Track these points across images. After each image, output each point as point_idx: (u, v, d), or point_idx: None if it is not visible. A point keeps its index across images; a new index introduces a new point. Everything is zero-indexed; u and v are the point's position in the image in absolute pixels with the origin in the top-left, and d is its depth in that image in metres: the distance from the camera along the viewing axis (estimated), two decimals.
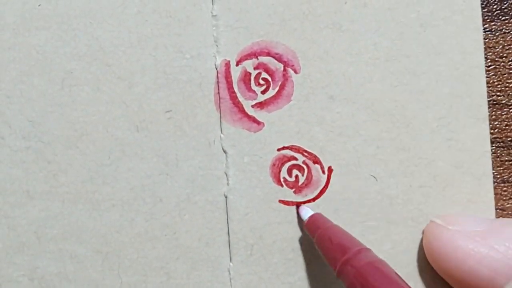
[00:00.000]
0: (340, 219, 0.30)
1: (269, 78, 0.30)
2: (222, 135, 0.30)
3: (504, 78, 0.31)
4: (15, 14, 0.30)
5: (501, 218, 0.30)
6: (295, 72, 0.30)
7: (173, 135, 0.30)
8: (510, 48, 0.31)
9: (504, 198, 0.31)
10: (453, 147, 0.30)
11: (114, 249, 0.30)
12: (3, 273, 0.29)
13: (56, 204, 0.29)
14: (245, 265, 0.30)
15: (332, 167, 0.30)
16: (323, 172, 0.30)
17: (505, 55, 0.31)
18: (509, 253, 0.27)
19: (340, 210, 0.30)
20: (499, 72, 0.31)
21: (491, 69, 0.31)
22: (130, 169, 0.30)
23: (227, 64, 0.30)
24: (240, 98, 0.30)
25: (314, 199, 0.30)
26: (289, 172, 0.30)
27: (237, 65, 0.30)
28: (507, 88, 0.31)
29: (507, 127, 0.31)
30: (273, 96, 0.30)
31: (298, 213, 0.30)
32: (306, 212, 0.29)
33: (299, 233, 0.30)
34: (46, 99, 0.30)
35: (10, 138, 0.29)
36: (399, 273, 0.30)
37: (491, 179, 0.30)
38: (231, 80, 0.30)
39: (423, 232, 0.30)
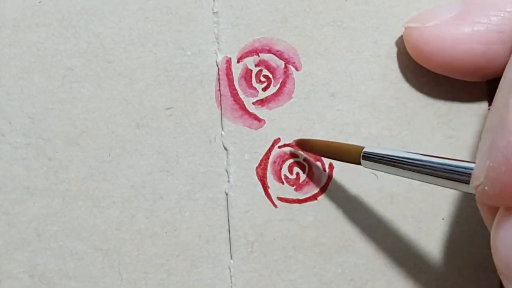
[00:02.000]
0: (340, 216, 0.30)
1: (270, 75, 0.30)
2: (223, 132, 0.30)
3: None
4: (16, 10, 0.29)
5: None
6: (296, 69, 0.30)
7: (174, 132, 0.30)
8: None
9: None
10: (454, 144, 0.30)
11: (114, 246, 0.30)
12: (3, 270, 0.29)
13: (57, 201, 0.29)
14: (245, 262, 0.30)
15: (333, 164, 0.30)
16: (324, 169, 0.30)
17: None
18: (492, 20, 0.27)
19: (341, 208, 0.30)
20: None
21: None
22: (130, 166, 0.30)
23: (228, 61, 0.30)
24: (241, 95, 0.30)
25: (315, 197, 0.30)
26: (290, 169, 0.30)
27: (238, 62, 0.30)
28: None
29: None
30: (274, 93, 0.30)
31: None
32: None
33: (300, 231, 0.30)
34: (46, 96, 0.29)
35: (10, 135, 0.29)
36: (398, 272, 0.30)
37: None
38: (232, 77, 0.30)
39: (404, 41, 0.29)
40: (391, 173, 0.25)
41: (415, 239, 0.30)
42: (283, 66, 0.30)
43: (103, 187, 0.30)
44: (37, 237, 0.29)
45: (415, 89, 0.30)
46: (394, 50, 0.30)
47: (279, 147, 0.30)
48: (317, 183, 0.30)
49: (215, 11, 0.30)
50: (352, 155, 0.27)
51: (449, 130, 0.30)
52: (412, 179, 0.25)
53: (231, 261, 0.30)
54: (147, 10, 0.30)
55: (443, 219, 0.30)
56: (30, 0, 0.29)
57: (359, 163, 0.26)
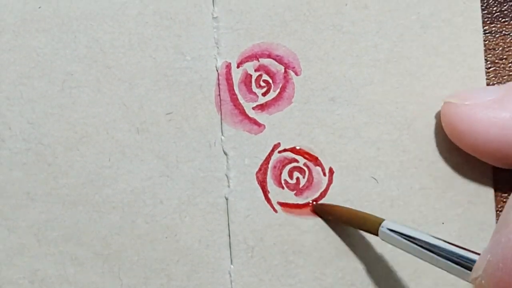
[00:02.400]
0: None
1: (270, 80, 0.30)
2: (222, 137, 0.30)
3: (504, 80, 0.31)
4: (15, 16, 0.29)
5: (507, 83, 0.30)
6: (296, 74, 0.30)
7: (174, 137, 0.30)
8: (510, 50, 0.31)
9: (505, 200, 0.31)
10: (454, 149, 0.30)
11: (114, 251, 0.30)
12: (3, 276, 0.29)
13: (57, 206, 0.29)
14: (245, 267, 0.30)
15: (333, 169, 0.30)
16: (324, 174, 0.30)
17: (505, 57, 0.31)
18: None
19: None
20: (499, 74, 0.31)
21: (491, 71, 0.31)
22: (130, 171, 0.30)
23: (228, 66, 0.30)
24: (241, 100, 0.30)
25: (315, 201, 0.30)
26: (290, 174, 0.30)
27: (238, 67, 0.30)
28: None
29: None
30: (274, 98, 0.30)
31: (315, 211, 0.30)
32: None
33: (300, 235, 0.30)
34: (46, 101, 0.29)
35: (10, 140, 0.29)
36: (400, 275, 0.30)
37: (491, 181, 0.30)
38: (232, 82, 0.30)
39: (441, 115, 0.30)
40: (403, 249, 0.26)
41: None
42: (283, 70, 0.30)
43: (103, 192, 0.30)
44: (37, 242, 0.29)
45: (415, 93, 0.30)
46: (394, 54, 0.30)
47: (279, 152, 0.30)
48: (317, 188, 0.30)
49: (214, 16, 0.30)
50: (370, 226, 0.27)
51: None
52: (421, 258, 0.25)
53: (231, 266, 0.30)
54: (147, 15, 0.30)
55: (443, 223, 0.30)
56: (30, 6, 0.29)
57: (377, 234, 0.27)
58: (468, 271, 0.23)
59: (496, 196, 0.31)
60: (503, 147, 0.28)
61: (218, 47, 0.30)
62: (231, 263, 0.30)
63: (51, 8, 0.30)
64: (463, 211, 0.30)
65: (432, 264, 0.25)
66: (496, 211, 0.30)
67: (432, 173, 0.30)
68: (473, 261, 0.23)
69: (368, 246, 0.30)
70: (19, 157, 0.29)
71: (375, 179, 0.30)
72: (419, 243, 0.25)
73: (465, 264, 0.24)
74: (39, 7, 0.29)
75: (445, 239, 0.25)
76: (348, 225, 0.29)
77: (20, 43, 0.29)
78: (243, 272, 0.30)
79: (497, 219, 0.30)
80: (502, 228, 0.22)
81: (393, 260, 0.30)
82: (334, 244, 0.30)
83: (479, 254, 0.23)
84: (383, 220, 0.27)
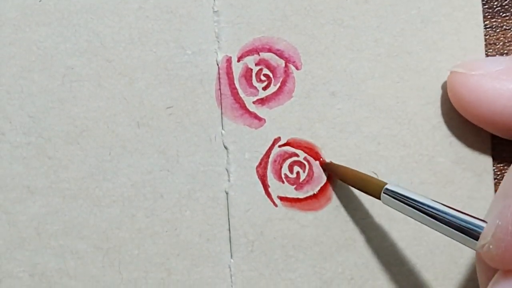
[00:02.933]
0: (341, 215, 0.30)
1: (271, 74, 0.30)
2: (223, 131, 0.30)
3: None
4: (16, 9, 0.29)
5: None
6: (297, 68, 0.30)
7: (174, 131, 0.30)
8: (510, 45, 0.31)
9: (502, 168, 0.31)
10: (454, 143, 0.30)
11: (114, 245, 0.30)
12: (3, 269, 0.29)
13: (57, 200, 0.29)
14: (246, 261, 0.30)
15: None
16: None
17: (505, 51, 0.31)
18: None
19: (341, 207, 0.30)
20: None
21: None
22: (130, 165, 0.30)
23: (229, 60, 0.30)
24: (242, 94, 0.30)
25: (315, 196, 0.30)
26: (290, 168, 0.30)
27: (238, 61, 0.30)
28: None
29: None
30: (274, 92, 0.30)
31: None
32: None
33: (300, 230, 0.30)
34: (46, 95, 0.29)
35: (10, 134, 0.29)
36: (399, 271, 0.30)
37: (491, 176, 0.30)
38: (233, 76, 0.30)
39: (447, 85, 0.29)
40: (406, 214, 0.26)
41: (415, 238, 0.30)
42: (284, 65, 0.30)
43: (104, 186, 0.30)
44: (37, 236, 0.29)
45: (415, 87, 0.30)
46: (395, 49, 0.30)
47: (280, 146, 0.30)
48: (317, 182, 0.30)
49: (215, 10, 0.30)
50: (374, 189, 0.27)
51: (449, 129, 0.30)
52: (424, 224, 0.25)
53: (232, 260, 0.30)
54: (147, 9, 0.30)
55: None
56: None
57: (379, 198, 0.27)
58: (475, 240, 0.23)
59: (496, 191, 0.31)
60: (509, 118, 0.28)
61: (218, 41, 0.30)
62: (231, 257, 0.30)
63: (52, 2, 0.30)
64: (463, 206, 0.30)
65: (436, 230, 0.24)
66: (495, 184, 0.31)
67: (432, 168, 0.30)
68: (480, 229, 0.23)
69: (368, 240, 0.30)
70: (19, 150, 0.29)
71: (375, 173, 0.30)
72: (422, 208, 0.25)
73: (472, 232, 0.23)
74: (40, 1, 0.29)
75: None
76: (352, 185, 0.29)
77: (21, 37, 0.29)
78: (243, 266, 0.30)
79: None
80: (510, 193, 0.22)
81: (393, 255, 0.30)
82: (334, 239, 0.30)
83: (486, 222, 0.23)
84: (386, 183, 0.26)
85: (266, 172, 0.30)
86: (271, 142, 0.30)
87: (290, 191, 0.30)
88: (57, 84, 0.30)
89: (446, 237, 0.30)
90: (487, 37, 0.31)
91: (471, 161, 0.30)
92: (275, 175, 0.30)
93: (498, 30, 0.31)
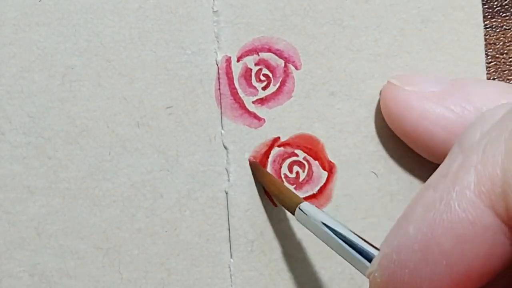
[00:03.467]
0: (340, 215, 0.30)
1: (270, 74, 0.30)
2: (222, 131, 0.30)
3: (505, 75, 0.31)
4: (16, 9, 0.29)
5: (458, 78, 0.29)
6: (296, 68, 0.30)
7: (174, 131, 0.30)
8: (510, 44, 0.31)
9: None
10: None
11: (114, 245, 0.30)
12: (3, 269, 0.29)
13: (57, 200, 0.29)
14: (245, 261, 0.30)
15: (333, 164, 0.30)
16: (324, 168, 0.30)
17: (505, 51, 0.31)
18: (465, 114, 0.26)
19: (341, 207, 0.30)
20: (499, 69, 0.31)
21: (492, 65, 0.31)
22: (130, 165, 0.30)
23: (228, 60, 0.30)
24: (241, 94, 0.30)
25: (315, 196, 0.30)
26: (290, 168, 0.30)
27: (238, 61, 0.30)
28: None
29: None
30: (274, 92, 0.30)
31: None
32: None
33: (300, 230, 0.30)
34: (46, 95, 0.29)
35: (10, 134, 0.29)
36: None
37: None
38: (232, 76, 0.30)
39: (380, 93, 0.30)
40: (315, 235, 0.26)
41: None
42: (283, 65, 0.30)
43: (103, 186, 0.30)
44: (37, 236, 0.29)
45: None
46: (394, 49, 0.30)
47: (279, 146, 0.30)
48: (317, 182, 0.30)
49: (215, 10, 0.30)
50: (289, 205, 0.27)
51: None
52: (330, 246, 0.25)
53: (231, 260, 0.30)
54: (147, 9, 0.30)
55: None
56: None
57: (293, 213, 0.27)
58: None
59: None
60: (428, 142, 0.27)
61: (218, 41, 0.30)
62: (231, 257, 0.30)
63: (52, 2, 0.30)
64: None
65: (339, 254, 0.24)
66: None
67: (432, 167, 0.30)
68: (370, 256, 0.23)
69: (367, 240, 0.30)
70: (19, 150, 0.29)
71: (375, 173, 0.30)
72: (329, 229, 0.25)
73: (368, 259, 0.23)
74: (39, 1, 0.29)
75: (357, 232, 0.24)
76: (272, 196, 0.29)
77: (20, 36, 0.29)
78: (243, 266, 0.30)
79: None
80: (402, 220, 0.22)
81: None
82: None
83: (379, 250, 0.23)
84: (303, 201, 0.26)
85: None
86: (270, 142, 0.30)
87: None
88: (57, 84, 0.30)
89: None
90: (487, 37, 0.31)
91: None
92: (274, 174, 0.30)
93: (498, 30, 0.31)
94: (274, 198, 0.29)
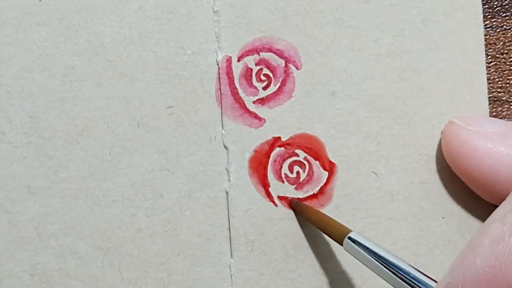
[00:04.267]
0: (341, 215, 0.30)
1: (271, 74, 0.30)
2: (223, 131, 0.30)
3: (505, 75, 0.31)
4: (16, 9, 0.29)
5: None
6: (297, 68, 0.30)
7: (174, 131, 0.30)
8: (510, 44, 0.31)
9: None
10: None
11: (114, 245, 0.30)
12: (3, 269, 0.29)
13: (57, 200, 0.29)
14: (246, 261, 0.30)
15: (334, 163, 0.30)
16: (325, 168, 0.30)
17: (505, 51, 0.31)
18: None
19: (341, 207, 0.30)
20: (499, 69, 0.31)
21: (492, 65, 0.31)
22: (131, 165, 0.30)
23: (229, 60, 0.30)
24: (242, 94, 0.30)
25: (315, 196, 0.30)
26: (291, 168, 0.30)
27: (238, 61, 0.30)
28: (507, 85, 0.31)
29: None
30: (274, 92, 0.30)
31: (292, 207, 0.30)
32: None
33: (300, 230, 0.30)
34: (47, 95, 0.29)
35: (10, 134, 0.29)
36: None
37: None
38: (233, 76, 0.30)
39: (441, 133, 0.30)
40: (365, 264, 0.26)
41: (415, 238, 0.30)
42: (284, 65, 0.30)
43: (104, 186, 0.30)
44: (37, 236, 0.29)
45: (415, 87, 0.30)
46: (395, 48, 0.30)
47: (280, 145, 0.30)
48: (317, 182, 0.30)
49: (215, 9, 0.30)
50: (336, 235, 0.27)
51: None
52: (381, 277, 0.25)
53: (232, 260, 0.30)
54: (148, 9, 0.30)
55: (443, 217, 0.30)
56: None
57: (341, 244, 0.27)
58: None
59: None
60: (493, 181, 0.28)
61: (218, 41, 0.30)
62: (231, 257, 0.30)
63: (52, 2, 0.30)
64: (463, 206, 0.30)
65: (392, 285, 0.24)
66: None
67: (432, 167, 0.30)
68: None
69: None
70: (19, 150, 0.29)
71: (375, 173, 0.30)
72: (380, 260, 0.25)
73: None
74: (40, 1, 0.29)
75: (408, 262, 0.24)
76: (318, 228, 0.29)
77: (21, 36, 0.29)
78: (243, 266, 0.30)
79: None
80: (467, 252, 0.22)
81: (393, 255, 0.30)
82: None
83: (436, 282, 0.23)
84: (350, 231, 0.26)
85: (266, 172, 0.30)
86: (271, 142, 0.30)
87: (290, 191, 0.30)
88: (57, 84, 0.30)
89: (446, 237, 0.30)
90: (487, 37, 0.31)
91: None
92: (275, 175, 0.30)
93: (498, 30, 0.31)
94: (321, 230, 0.29)
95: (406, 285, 0.24)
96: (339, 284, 0.30)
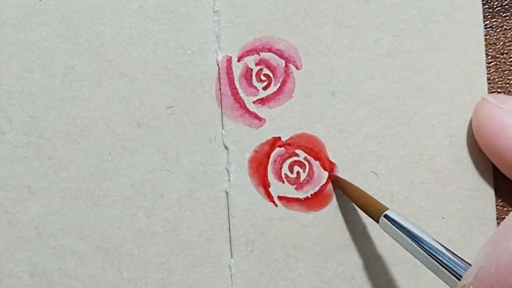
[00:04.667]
0: (341, 215, 0.30)
1: (271, 74, 0.30)
2: (223, 131, 0.30)
3: (505, 75, 0.31)
4: (16, 9, 0.29)
5: None
6: (297, 68, 0.30)
7: (174, 131, 0.30)
8: (510, 44, 0.31)
9: (506, 194, 0.31)
10: (454, 143, 0.30)
11: (114, 245, 0.30)
12: (3, 269, 0.29)
13: (57, 200, 0.29)
14: (246, 261, 0.30)
15: (334, 164, 0.30)
16: (325, 168, 0.30)
17: (505, 51, 0.31)
18: None
19: (341, 207, 0.30)
20: (499, 69, 0.31)
21: (492, 65, 0.31)
22: (131, 165, 0.30)
23: (229, 60, 0.30)
24: (242, 94, 0.30)
25: (315, 195, 0.30)
26: (291, 168, 0.30)
27: (238, 61, 0.30)
28: (507, 85, 0.31)
29: None
30: (274, 92, 0.30)
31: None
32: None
33: (300, 230, 0.30)
34: (47, 95, 0.29)
35: (11, 134, 0.29)
36: (400, 269, 0.30)
37: (491, 176, 0.30)
38: (233, 76, 0.30)
39: (473, 110, 0.30)
40: (399, 242, 0.26)
41: None
42: (284, 65, 0.30)
43: (104, 186, 0.30)
44: (37, 236, 0.29)
45: (415, 87, 0.30)
46: (395, 48, 0.30)
47: (280, 146, 0.30)
48: (317, 182, 0.30)
49: (215, 10, 0.30)
50: (374, 212, 0.27)
51: (449, 129, 0.30)
52: (413, 255, 0.25)
53: (232, 260, 0.30)
54: (148, 9, 0.30)
55: (443, 217, 0.30)
56: None
57: (377, 221, 0.27)
58: (457, 280, 0.23)
59: (496, 190, 0.31)
60: None
61: (219, 41, 0.30)
62: (231, 257, 0.30)
63: (52, 2, 0.30)
64: (463, 206, 0.30)
65: (424, 264, 0.24)
66: (496, 205, 0.30)
67: (432, 167, 0.30)
68: (464, 270, 0.23)
69: (368, 240, 0.30)
70: (19, 150, 0.29)
71: (375, 173, 0.30)
72: (415, 239, 0.25)
73: (455, 272, 0.23)
74: (40, 1, 0.29)
75: (444, 244, 0.24)
76: (355, 203, 0.29)
77: (21, 36, 0.29)
78: (243, 266, 0.30)
79: (497, 214, 0.30)
80: (501, 235, 0.22)
81: (393, 254, 0.30)
82: (334, 239, 0.30)
83: (471, 265, 0.23)
84: (387, 209, 0.27)
85: (266, 172, 0.30)
86: (271, 142, 0.30)
87: (290, 191, 0.30)
88: (57, 84, 0.30)
89: (446, 237, 0.30)
90: (487, 37, 0.31)
91: (471, 160, 0.30)
92: (275, 175, 0.30)
93: (498, 30, 0.31)
94: (358, 206, 0.29)
95: (439, 265, 0.24)
96: (339, 284, 0.30)
